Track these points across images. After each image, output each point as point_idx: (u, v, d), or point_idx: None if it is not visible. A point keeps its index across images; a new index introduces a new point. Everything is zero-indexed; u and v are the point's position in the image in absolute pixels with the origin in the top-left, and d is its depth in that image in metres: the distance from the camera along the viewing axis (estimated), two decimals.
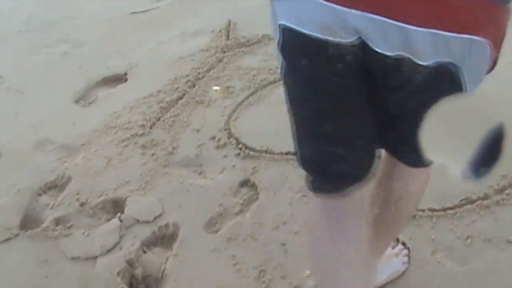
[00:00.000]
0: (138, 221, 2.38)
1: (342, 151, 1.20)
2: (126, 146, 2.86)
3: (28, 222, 2.49)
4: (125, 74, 3.62)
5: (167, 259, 2.21)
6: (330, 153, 1.20)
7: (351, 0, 0.94)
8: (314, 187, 1.31)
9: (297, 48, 1.07)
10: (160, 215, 2.40)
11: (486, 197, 2.26)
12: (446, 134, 0.93)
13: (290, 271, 2.07)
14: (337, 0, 0.94)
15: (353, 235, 1.30)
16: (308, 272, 1.99)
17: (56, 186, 2.70)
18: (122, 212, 2.45)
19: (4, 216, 2.51)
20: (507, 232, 2.09)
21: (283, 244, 2.19)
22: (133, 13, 4.41)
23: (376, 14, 0.92)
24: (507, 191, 2.27)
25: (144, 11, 4.42)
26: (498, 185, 2.31)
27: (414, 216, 2.21)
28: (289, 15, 1.02)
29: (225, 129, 2.87)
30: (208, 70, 3.41)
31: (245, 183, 2.53)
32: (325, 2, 0.95)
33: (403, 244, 2.11)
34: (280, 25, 1.05)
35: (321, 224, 1.34)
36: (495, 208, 2.21)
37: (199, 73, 3.38)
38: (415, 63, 0.97)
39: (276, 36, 1.09)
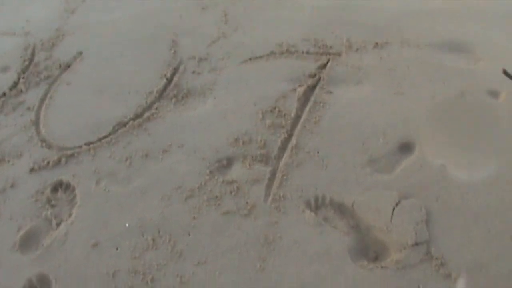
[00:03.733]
0: None
1: None
2: None
3: None
4: None
5: None
6: None
7: None
8: None
9: None
10: None
11: (137, 116, 2.39)
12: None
13: None
14: None
15: None
16: None
17: None
18: None
19: None
20: (161, 142, 2.27)
21: None
22: None
23: None
24: (155, 106, 2.44)
25: None
26: (146, 102, 2.46)
27: (73, 154, 2.23)
28: None
29: None
30: None
31: None
32: None
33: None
34: None
35: None
36: (147, 125, 2.36)
37: None
38: None
39: None
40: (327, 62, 2.61)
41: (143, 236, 1.94)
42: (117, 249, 1.91)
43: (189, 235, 1.92)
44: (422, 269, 1.77)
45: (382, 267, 1.79)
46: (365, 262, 1.82)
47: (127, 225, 1.98)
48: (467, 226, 1.88)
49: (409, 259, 1.79)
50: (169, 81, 2.56)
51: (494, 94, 2.38)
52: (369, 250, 1.86)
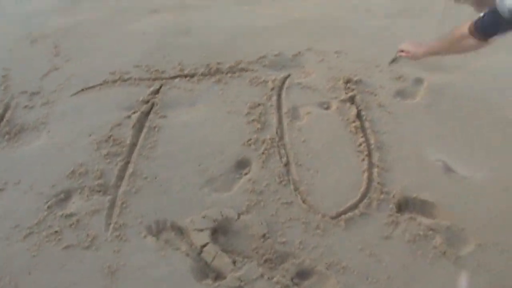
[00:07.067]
0: None
1: None
2: None
3: None
4: None
5: None
6: None
7: None
8: None
9: None
10: None
11: None
12: None
13: None
14: None
15: None
16: None
17: None
18: None
19: None
20: None
21: None
22: None
23: None
24: None
25: None
26: None
27: None
28: None
29: None
30: None
31: None
32: None
33: None
34: None
35: None
36: None
37: None
38: None
39: None
40: (160, 87, 2.72)
41: None
42: None
43: (29, 274, 1.92)
44: (263, 282, 1.90)
45: (227, 285, 1.88)
46: (209, 281, 1.91)
47: None
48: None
49: (251, 273, 1.92)
50: (1, 117, 2.51)
51: (326, 105, 2.66)
52: (211, 268, 1.97)
